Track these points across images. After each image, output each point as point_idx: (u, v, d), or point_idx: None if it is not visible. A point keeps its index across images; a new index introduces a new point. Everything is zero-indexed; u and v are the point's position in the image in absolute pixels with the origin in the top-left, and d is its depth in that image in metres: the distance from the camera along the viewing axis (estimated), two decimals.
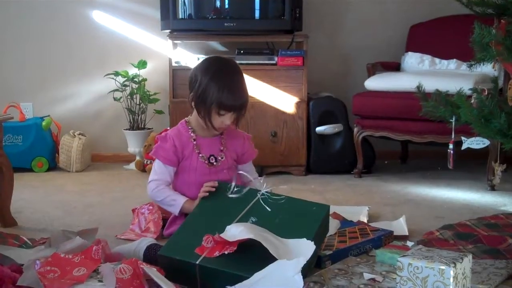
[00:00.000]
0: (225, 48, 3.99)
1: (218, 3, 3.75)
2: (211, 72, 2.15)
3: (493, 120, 2.15)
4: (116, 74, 3.82)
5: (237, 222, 1.87)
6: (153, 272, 1.65)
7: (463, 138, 2.53)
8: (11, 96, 3.89)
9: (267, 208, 1.93)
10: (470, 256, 1.60)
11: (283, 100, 3.58)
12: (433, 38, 3.82)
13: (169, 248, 1.79)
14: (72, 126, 3.94)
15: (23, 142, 3.71)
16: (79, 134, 3.83)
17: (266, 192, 2.01)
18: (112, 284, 1.58)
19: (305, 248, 1.71)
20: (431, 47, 3.78)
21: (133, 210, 2.49)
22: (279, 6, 3.65)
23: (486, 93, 2.29)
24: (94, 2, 3.98)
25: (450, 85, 2.71)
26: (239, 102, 2.16)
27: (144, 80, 3.85)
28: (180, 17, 3.66)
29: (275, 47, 3.76)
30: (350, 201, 2.92)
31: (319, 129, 3.62)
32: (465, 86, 2.48)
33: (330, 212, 2.45)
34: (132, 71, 3.85)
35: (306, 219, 1.87)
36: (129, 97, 3.83)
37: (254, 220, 1.87)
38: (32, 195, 3.08)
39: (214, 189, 2.06)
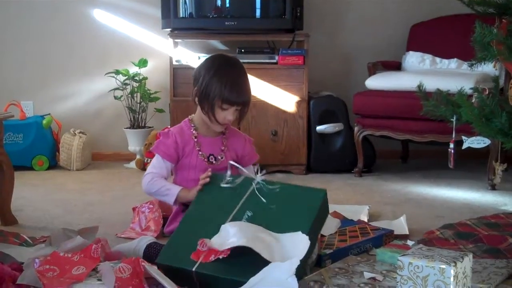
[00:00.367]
0: (226, 47, 3.98)
1: (219, 2, 3.75)
2: (214, 68, 2.18)
3: (494, 119, 2.15)
4: (117, 72, 3.82)
5: (233, 217, 1.84)
6: (155, 270, 1.65)
7: (463, 137, 2.52)
8: (12, 94, 3.89)
9: (262, 199, 1.89)
10: (471, 256, 1.60)
11: (283, 99, 3.58)
12: (434, 37, 3.81)
13: (165, 255, 1.77)
14: (73, 124, 3.94)
15: (24, 140, 3.72)
16: (79, 133, 3.83)
17: (261, 180, 1.94)
18: (111, 283, 1.58)
19: (300, 244, 1.69)
20: (432, 47, 3.78)
21: (134, 209, 2.49)
22: (280, 5, 3.65)
23: (487, 92, 2.29)
24: (95, 0, 3.98)
25: (451, 85, 2.71)
26: (242, 97, 2.17)
27: (145, 78, 3.85)
28: (181, 15, 3.66)
29: (275, 46, 3.76)
30: (351, 200, 2.92)
31: (319, 128, 3.62)
32: (466, 85, 2.47)
33: (331, 211, 2.46)
34: (133, 69, 3.85)
35: (302, 208, 1.83)
36: (129, 95, 3.83)
37: (250, 214, 1.84)
38: (32, 194, 3.08)
39: (208, 179, 2.03)
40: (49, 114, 3.88)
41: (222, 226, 1.78)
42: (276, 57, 3.60)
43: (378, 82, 3.53)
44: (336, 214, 2.43)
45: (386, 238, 2.17)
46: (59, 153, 3.81)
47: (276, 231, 1.76)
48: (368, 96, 3.50)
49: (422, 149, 3.94)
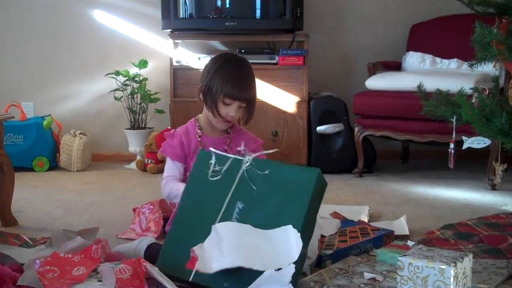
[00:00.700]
0: (226, 48, 3.99)
1: (219, 3, 3.75)
2: (219, 63, 2.20)
3: (494, 119, 2.15)
4: (117, 73, 3.82)
5: (223, 212, 1.76)
6: (156, 271, 1.65)
7: (464, 137, 2.52)
8: (12, 95, 3.90)
9: (253, 186, 1.76)
10: (471, 256, 1.60)
11: (284, 100, 3.58)
12: (434, 37, 3.81)
13: (162, 263, 1.75)
14: (73, 125, 3.94)
15: (24, 141, 3.72)
16: (80, 134, 3.83)
17: (249, 163, 1.80)
18: (111, 284, 1.58)
19: (292, 241, 1.62)
20: (432, 47, 3.78)
21: (134, 210, 2.49)
22: (280, 6, 3.66)
23: (487, 92, 2.29)
24: (95, 1, 3.98)
25: (451, 85, 2.71)
26: (244, 93, 2.16)
27: (145, 79, 3.85)
28: (181, 16, 3.66)
29: (276, 46, 3.76)
30: (351, 200, 2.92)
31: (319, 128, 3.62)
32: (466, 85, 2.48)
33: (331, 212, 2.47)
34: (133, 70, 3.85)
35: (295, 193, 1.70)
36: (130, 96, 3.83)
37: (241, 207, 1.75)
38: (33, 195, 3.08)
39: None
40: (49, 115, 3.88)
41: (213, 227, 1.71)
42: (276, 58, 3.60)
43: (378, 82, 3.53)
44: (336, 215, 2.44)
45: (386, 238, 2.17)
46: (59, 154, 3.81)
47: (269, 223, 1.68)
48: (368, 97, 3.50)
49: (422, 149, 3.94)
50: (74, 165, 3.73)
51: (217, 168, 1.83)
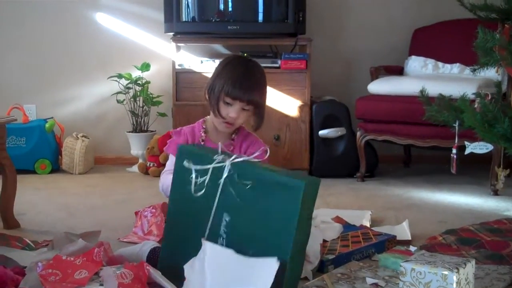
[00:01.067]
0: (228, 51, 3.99)
1: (221, 6, 3.76)
2: (226, 62, 2.16)
3: (497, 125, 2.15)
4: (120, 76, 3.82)
5: (211, 226, 1.69)
6: (159, 275, 1.65)
7: (466, 142, 2.52)
8: (15, 98, 3.90)
9: (236, 198, 1.64)
10: (473, 262, 1.59)
11: (286, 104, 3.59)
12: (437, 42, 3.82)
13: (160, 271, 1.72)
14: (75, 128, 3.95)
15: (26, 144, 3.72)
16: (82, 136, 3.83)
17: (231, 172, 1.66)
18: None
19: (265, 273, 1.52)
20: (435, 51, 3.78)
21: (136, 213, 2.49)
22: (282, 10, 3.66)
23: (489, 97, 2.29)
24: (97, 4, 3.99)
25: (453, 90, 2.71)
26: (246, 94, 2.07)
27: (148, 82, 3.85)
28: (184, 19, 3.67)
29: (278, 50, 3.77)
30: (353, 205, 2.92)
31: (322, 132, 3.62)
32: (469, 90, 2.48)
33: (333, 216, 2.47)
34: (136, 73, 3.86)
35: (283, 205, 1.55)
36: (132, 99, 3.83)
37: (227, 220, 1.67)
38: (35, 197, 3.09)
39: None
40: (51, 117, 3.88)
41: (203, 243, 1.65)
42: (279, 62, 3.61)
43: (380, 86, 3.53)
44: (338, 219, 2.43)
45: (388, 243, 2.17)
46: (61, 156, 3.81)
47: (259, 237, 1.59)
48: (370, 101, 3.50)
49: (424, 154, 3.94)
50: (76, 168, 3.73)
51: (199, 181, 1.71)
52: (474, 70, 2.30)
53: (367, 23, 4.08)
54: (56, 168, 3.81)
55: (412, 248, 2.13)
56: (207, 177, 1.69)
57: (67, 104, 4.05)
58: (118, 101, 3.85)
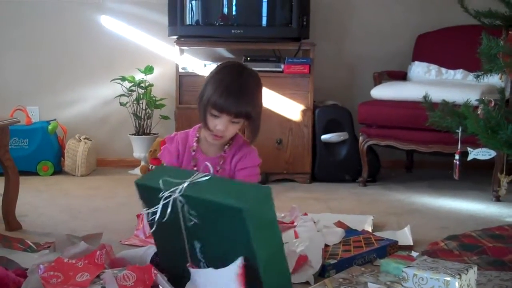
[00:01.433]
0: (232, 55, 3.99)
1: (225, 10, 3.76)
2: (216, 71, 2.04)
3: (500, 131, 2.14)
4: (123, 79, 3.83)
5: (189, 253, 1.69)
6: (166, 280, 1.65)
7: (469, 149, 2.52)
8: (18, 99, 3.90)
9: (199, 225, 1.61)
10: (475, 268, 1.59)
11: (289, 108, 3.59)
12: (440, 48, 3.81)
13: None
14: (78, 130, 3.95)
15: (29, 145, 3.72)
16: (84, 139, 3.84)
17: (182, 204, 1.61)
18: None
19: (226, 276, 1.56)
20: (438, 57, 3.78)
21: (138, 216, 2.49)
22: (286, 14, 3.66)
23: (492, 104, 2.29)
24: (102, 7, 4.00)
25: (457, 96, 2.71)
26: (234, 106, 1.92)
27: (151, 85, 3.85)
28: (188, 23, 3.67)
29: (281, 54, 3.77)
30: (355, 210, 2.92)
31: (324, 137, 3.62)
32: (472, 96, 2.48)
33: (335, 221, 2.47)
34: (139, 76, 3.86)
35: (234, 228, 1.54)
36: (135, 102, 3.84)
37: (199, 246, 1.65)
38: (37, 199, 3.09)
39: None
40: (54, 119, 3.89)
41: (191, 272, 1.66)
42: (282, 66, 3.61)
43: (383, 92, 3.53)
44: (340, 224, 2.43)
45: (390, 248, 2.17)
46: (64, 158, 3.81)
47: (231, 257, 1.58)
48: (373, 106, 3.50)
49: (427, 160, 3.94)
50: (78, 170, 3.74)
51: (157, 216, 1.64)
52: (477, 77, 2.30)
53: (370, 28, 4.08)
54: (58, 170, 3.81)
55: (414, 254, 2.13)
56: (168, 209, 1.62)
57: (70, 106, 4.05)
58: (121, 104, 3.85)
